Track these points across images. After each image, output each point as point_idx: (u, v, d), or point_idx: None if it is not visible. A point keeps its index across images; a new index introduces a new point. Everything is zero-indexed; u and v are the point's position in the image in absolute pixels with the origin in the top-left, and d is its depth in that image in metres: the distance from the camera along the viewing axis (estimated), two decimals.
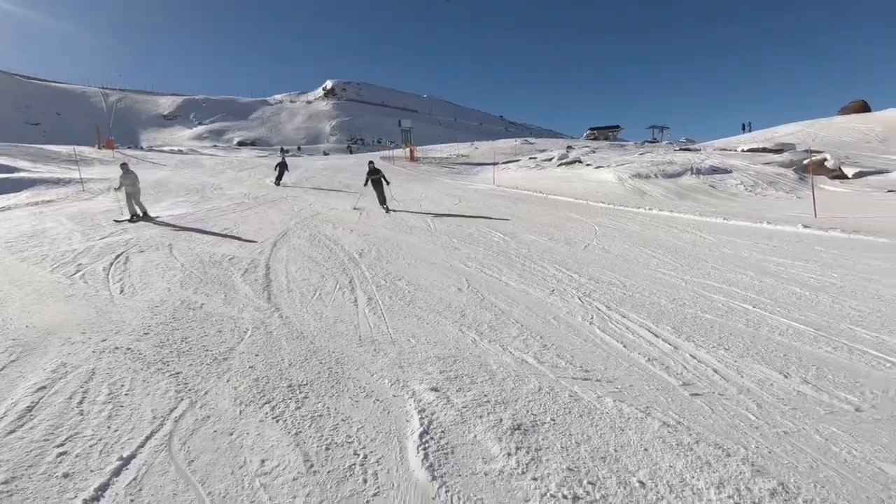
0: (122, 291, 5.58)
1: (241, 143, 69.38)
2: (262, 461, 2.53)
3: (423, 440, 2.71)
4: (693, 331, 4.51)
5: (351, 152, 46.62)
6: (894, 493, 2.29)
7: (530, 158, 30.39)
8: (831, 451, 2.65)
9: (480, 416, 3.00)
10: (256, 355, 3.91)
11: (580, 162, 25.94)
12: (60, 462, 2.47)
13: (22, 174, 17.76)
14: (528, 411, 3.07)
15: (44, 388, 3.23)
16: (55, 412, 2.94)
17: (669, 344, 4.21)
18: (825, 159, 18.60)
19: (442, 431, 2.83)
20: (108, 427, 2.80)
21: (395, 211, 12.49)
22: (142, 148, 46.91)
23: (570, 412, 3.06)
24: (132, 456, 2.54)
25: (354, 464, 2.53)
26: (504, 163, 29.54)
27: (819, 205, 12.03)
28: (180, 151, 42.86)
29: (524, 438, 2.76)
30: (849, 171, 17.80)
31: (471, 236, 9.38)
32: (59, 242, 8.15)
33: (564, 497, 2.27)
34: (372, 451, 2.64)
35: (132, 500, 2.22)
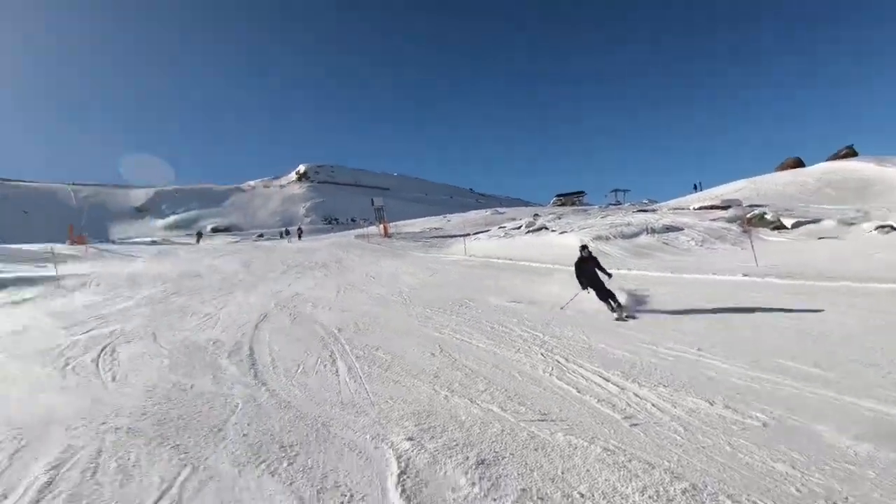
0: (113, 379, 5.91)
1: (214, 230, 69.92)
2: None
3: (401, 479, 3.18)
4: (639, 374, 5.12)
5: (287, 235, 45.60)
6: (778, 481, 2.86)
7: (500, 228, 31.80)
8: (737, 457, 3.22)
9: (450, 457, 3.48)
10: (249, 424, 4.31)
11: (546, 228, 27.35)
12: None
13: None
14: (490, 449, 3.57)
15: (57, 466, 3.57)
16: (72, 485, 3.29)
17: (617, 386, 4.80)
18: (764, 213, 20.29)
19: (417, 471, 3.30)
20: (123, 492, 3.18)
21: (632, 317, 7.88)
22: (113, 241, 46.86)
23: (526, 447, 3.58)
24: None
25: (343, 502, 2.97)
26: (475, 233, 30.80)
27: (760, 254, 13.19)
28: (154, 242, 43.06)
29: (487, 470, 3.25)
30: (787, 222, 19.42)
31: (443, 305, 9.98)
32: (43, 339, 8.38)
33: None
34: (357, 492, 3.09)
35: None
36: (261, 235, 53.04)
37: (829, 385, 4.33)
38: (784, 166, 39.63)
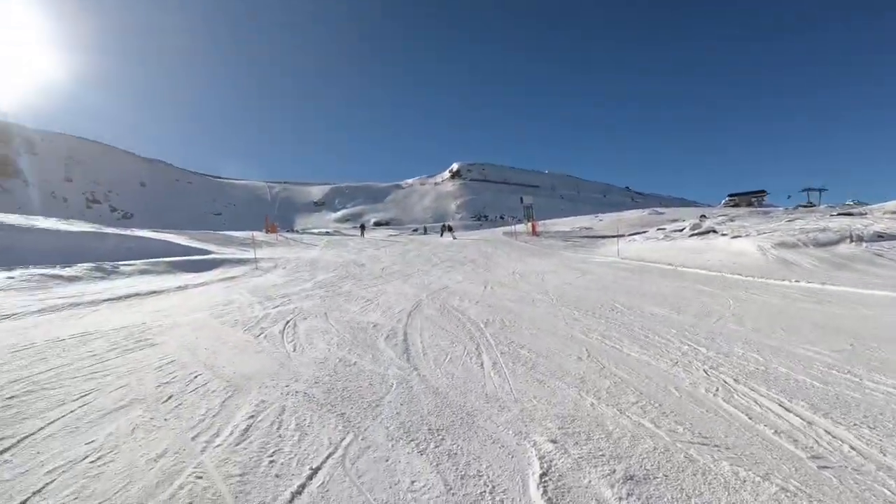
0: (294, 349, 6.87)
1: (377, 224, 76.80)
2: (412, 482, 3.17)
3: (543, 480, 3.15)
4: (833, 408, 4.32)
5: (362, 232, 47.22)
6: None
7: (658, 229, 29.40)
8: None
9: (595, 466, 3.34)
10: (401, 404, 4.66)
11: (714, 232, 24.52)
12: (272, 467, 3.37)
13: (213, 255, 21.96)
14: (640, 466, 3.33)
15: (253, 416, 4.30)
16: (263, 433, 3.94)
17: (802, 419, 4.10)
18: None
19: (559, 475, 3.23)
20: (300, 446, 3.70)
21: None
22: (297, 231, 54.51)
23: (683, 470, 3.26)
24: (319, 468, 3.35)
25: (485, 491, 3.05)
26: (630, 234, 28.93)
27: None
28: (327, 233, 49.02)
29: (635, 488, 3.04)
30: None
31: (592, 308, 9.57)
32: (245, 310, 10.10)
33: None
34: (498, 485, 3.14)
35: (322, 497, 3.00)
36: (416, 230, 56.80)
37: None
38: None
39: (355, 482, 3.16)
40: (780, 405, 4.42)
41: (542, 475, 3.22)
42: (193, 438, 3.88)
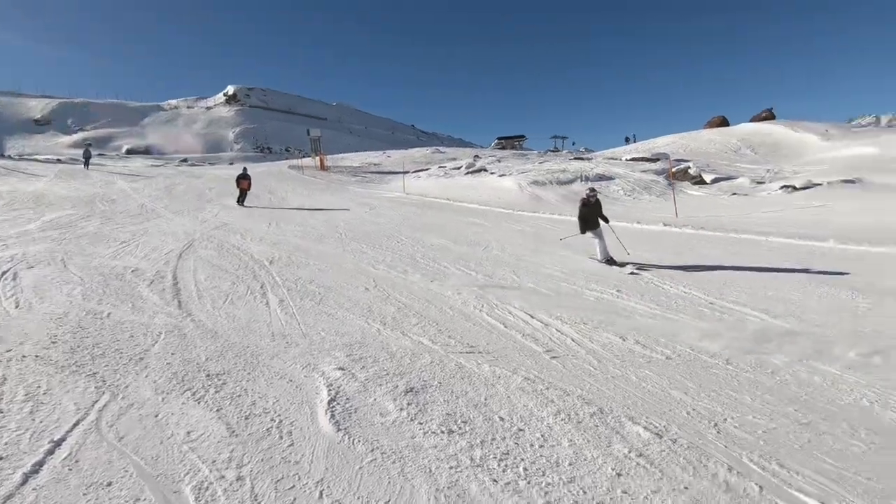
0: (17, 306, 5.46)
1: (130, 152, 63.83)
2: (188, 432, 2.94)
3: (331, 405, 3.27)
4: (563, 312, 5.45)
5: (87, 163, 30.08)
6: (673, 406, 3.24)
7: (440, 167, 31.52)
8: (641, 385, 3.59)
9: (380, 385, 3.60)
10: (172, 354, 4.19)
11: (485, 170, 27.46)
12: None
13: None
14: (419, 379, 3.73)
15: None
16: None
17: (541, 322, 5.10)
18: (688, 168, 21.50)
19: (347, 398, 3.40)
20: (33, 419, 3.04)
21: None
22: (10, 157, 41.63)
23: (454, 377, 3.77)
24: (63, 439, 2.82)
25: (271, 427, 3.03)
26: (415, 171, 30.38)
27: (681, 207, 14.13)
28: (59, 160, 38.74)
29: (415, 397, 3.41)
30: (707, 178, 20.75)
31: (378, 241, 9.94)
32: None
33: (442, 432, 2.95)
34: (286, 417, 3.15)
35: (70, 470, 2.55)
36: (184, 160, 49.29)
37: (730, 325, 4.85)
38: (711, 124, 41.69)
39: (115, 445, 2.77)
40: (526, 313, 5.39)
41: (331, 401, 3.34)
42: None
